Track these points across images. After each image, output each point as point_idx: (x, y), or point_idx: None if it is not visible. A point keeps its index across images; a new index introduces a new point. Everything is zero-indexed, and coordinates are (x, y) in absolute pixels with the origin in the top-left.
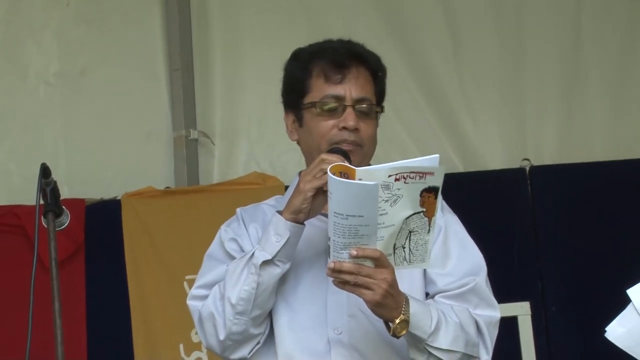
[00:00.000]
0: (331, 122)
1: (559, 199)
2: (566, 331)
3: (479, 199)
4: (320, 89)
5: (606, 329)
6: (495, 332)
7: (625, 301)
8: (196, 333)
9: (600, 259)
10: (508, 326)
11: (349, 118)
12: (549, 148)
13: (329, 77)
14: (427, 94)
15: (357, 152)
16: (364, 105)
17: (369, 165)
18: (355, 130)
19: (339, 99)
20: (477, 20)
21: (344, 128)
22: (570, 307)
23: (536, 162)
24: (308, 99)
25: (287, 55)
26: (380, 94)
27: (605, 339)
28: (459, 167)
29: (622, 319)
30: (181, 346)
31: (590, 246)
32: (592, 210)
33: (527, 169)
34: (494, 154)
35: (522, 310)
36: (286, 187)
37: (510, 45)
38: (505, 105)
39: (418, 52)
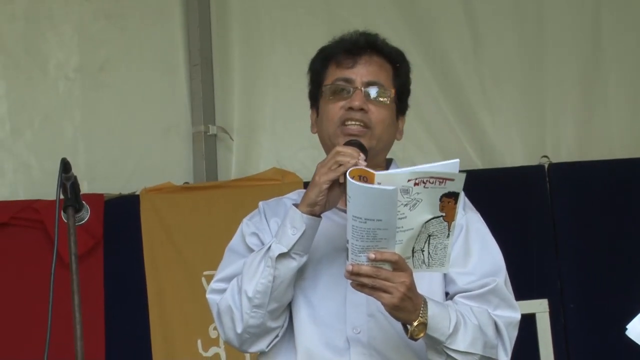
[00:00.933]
0: (340, 103)
1: (577, 197)
2: (584, 329)
3: (497, 196)
4: (332, 75)
5: (627, 326)
6: (514, 333)
7: None
8: (214, 329)
9: (619, 256)
10: (526, 324)
11: (356, 98)
12: (567, 145)
13: (340, 63)
14: (446, 91)
15: (366, 134)
16: (374, 89)
17: (390, 160)
18: (362, 110)
19: (349, 81)
20: (496, 18)
21: (350, 108)
22: (589, 304)
23: (555, 160)
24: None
25: (307, 51)
26: (401, 86)
27: (624, 336)
28: (478, 164)
29: None
30: (199, 342)
31: (609, 244)
32: (610, 208)
33: (546, 166)
34: (513, 151)
35: (540, 308)
36: (304, 184)
37: (529, 43)
38: (524, 102)
39: (437, 50)
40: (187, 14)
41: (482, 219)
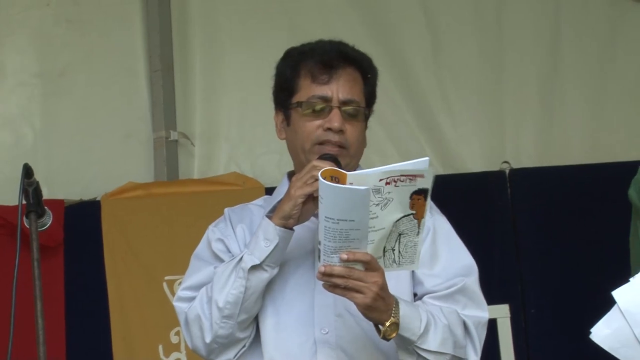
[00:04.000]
0: (317, 122)
1: (538, 202)
2: (545, 334)
3: (458, 201)
4: (307, 89)
5: (591, 330)
6: (483, 333)
7: (605, 303)
8: (176, 334)
9: (580, 261)
10: (487, 329)
11: (335, 119)
12: (528, 151)
13: (316, 77)
14: (407, 96)
15: (342, 154)
16: (351, 107)
17: (357, 166)
18: (340, 131)
19: (326, 99)
20: (456, 23)
21: (329, 129)
22: (550, 309)
23: (515, 165)
24: (295, 99)
25: (267, 56)
26: (369, 95)
27: (585, 341)
28: (439, 170)
29: (607, 320)
30: (160, 347)
31: (570, 249)
32: (571, 213)
33: (507, 171)
34: (474, 157)
35: (501, 313)
36: (266, 189)
37: (489, 48)
38: (485, 107)
39: (398, 54)
40: (148, 19)
41: (448, 222)
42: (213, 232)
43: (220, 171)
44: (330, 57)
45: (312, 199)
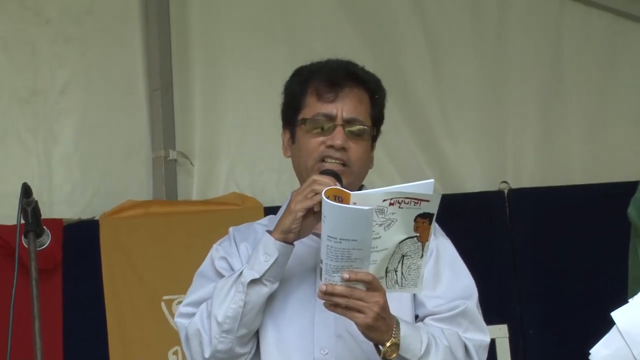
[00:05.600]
0: (320, 139)
1: (537, 222)
2: (544, 354)
3: (457, 221)
4: (313, 107)
5: (590, 351)
6: (484, 357)
7: (604, 323)
8: (174, 353)
9: (579, 281)
10: None
11: (337, 137)
12: (527, 171)
13: (321, 95)
14: (407, 115)
15: (345, 172)
16: (355, 127)
17: (361, 186)
18: (343, 149)
19: (330, 117)
20: (457, 42)
21: (331, 146)
22: (548, 329)
23: (515, 185)
24: (301, 116)
25: (267, 75)
26: (376, 116)
27: None
28: (438, 189)
29: (606, 341)
30: None
31: (569, 269)
32: (570, 233)
33: (506, 191)
34: (473, 177)
35: (499, 333)
36: (265, 209)
37: (490, 68)
38: (484, 127)
39: (398, 74)
40: (148, 38)
41: (452, 245)
42: (217, 251)
43: (219, 190)
44: (338, 76)
45: (312, 213)
